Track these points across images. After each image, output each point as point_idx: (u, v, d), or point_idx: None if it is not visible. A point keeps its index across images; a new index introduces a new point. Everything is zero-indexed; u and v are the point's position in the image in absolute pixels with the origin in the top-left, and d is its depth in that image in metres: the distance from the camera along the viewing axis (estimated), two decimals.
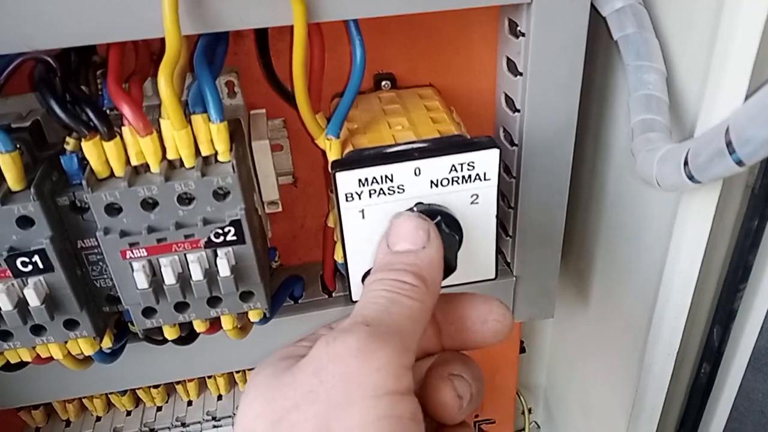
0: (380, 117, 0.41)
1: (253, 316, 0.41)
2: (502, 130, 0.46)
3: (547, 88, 0.40)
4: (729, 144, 0.27)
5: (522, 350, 0.70)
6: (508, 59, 0.43)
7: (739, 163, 0.27)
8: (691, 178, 0.30)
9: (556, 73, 0.40)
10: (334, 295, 0.49)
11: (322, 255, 0.48)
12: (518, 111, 0.42)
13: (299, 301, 0.48)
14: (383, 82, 0.45)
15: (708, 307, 0.38)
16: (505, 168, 0.46)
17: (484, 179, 0.36)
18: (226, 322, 0.40)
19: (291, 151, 0.46)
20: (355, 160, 0.35)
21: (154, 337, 0.41)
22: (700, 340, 0.40)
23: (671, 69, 0.37)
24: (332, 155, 0.38)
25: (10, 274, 0.34)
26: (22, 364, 0.40)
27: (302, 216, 0.50)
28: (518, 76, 0.41)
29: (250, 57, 0.41)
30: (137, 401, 0.59)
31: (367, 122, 0.40)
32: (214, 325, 0.41)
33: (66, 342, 0.39)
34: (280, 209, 0.44)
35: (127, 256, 0.35)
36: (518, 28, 0.40)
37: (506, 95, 0.44)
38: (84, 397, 0.57)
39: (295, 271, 0.49)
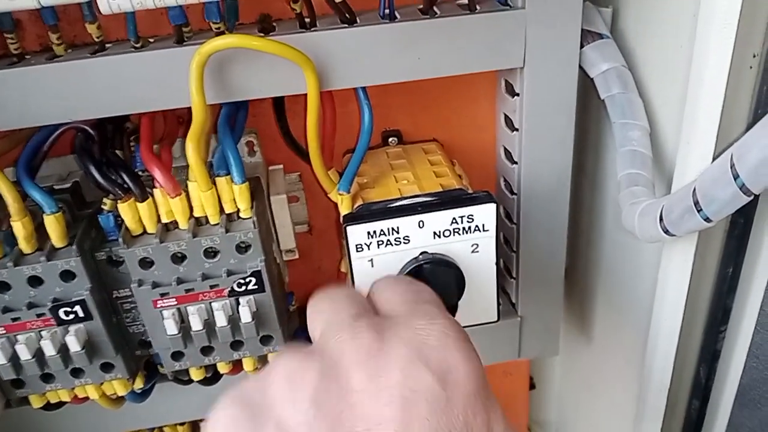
0: (387, 172, 0.44)
1: (273, 358, 0.44)
2: (503, 180, 0.49)
3: (542, 142, 0.43)
4: (696, 203, 0.30)
5: (532, 386, 0.71)
6: (506, 116, 0.46)
7: (707, 219, 0.30)
8: (666, 232, 0.33)
9: (549, 129, 0.43)
10: None
11: None
12: (516, 163, 0.45)
13: None
14: (390, 139, 0.48)
15: (697, 346, 0.41)
16: (506, 215, 0.48)
17: (483, 230, 0.39)
18: (248, 364, 0.43)
19: (307, 201, 0.49)
20: (364, 214, 0.39)
21: (182, 378, 0.44)
22: (691, 379, 0.42)
23: (654, 125, 0.40)
24: (344, 209, 0.41)
25: (54, 323, 0.38)
26: (60, 404, 0.44)
27: (318, 260, 0.52)
28: (515, 132, 0.44)
29: (268, 117, 0.45)
30: None
31: (376, 177, 0.44)
32: (237, 366, 0.44)
33: (102, 383, 0.42)
34: (296, 256, 0.47)
35: (158, 305, 0.38)
36: (513, 89, 0.43)
37: (505, 149, 0.47)
38: None
39: None
